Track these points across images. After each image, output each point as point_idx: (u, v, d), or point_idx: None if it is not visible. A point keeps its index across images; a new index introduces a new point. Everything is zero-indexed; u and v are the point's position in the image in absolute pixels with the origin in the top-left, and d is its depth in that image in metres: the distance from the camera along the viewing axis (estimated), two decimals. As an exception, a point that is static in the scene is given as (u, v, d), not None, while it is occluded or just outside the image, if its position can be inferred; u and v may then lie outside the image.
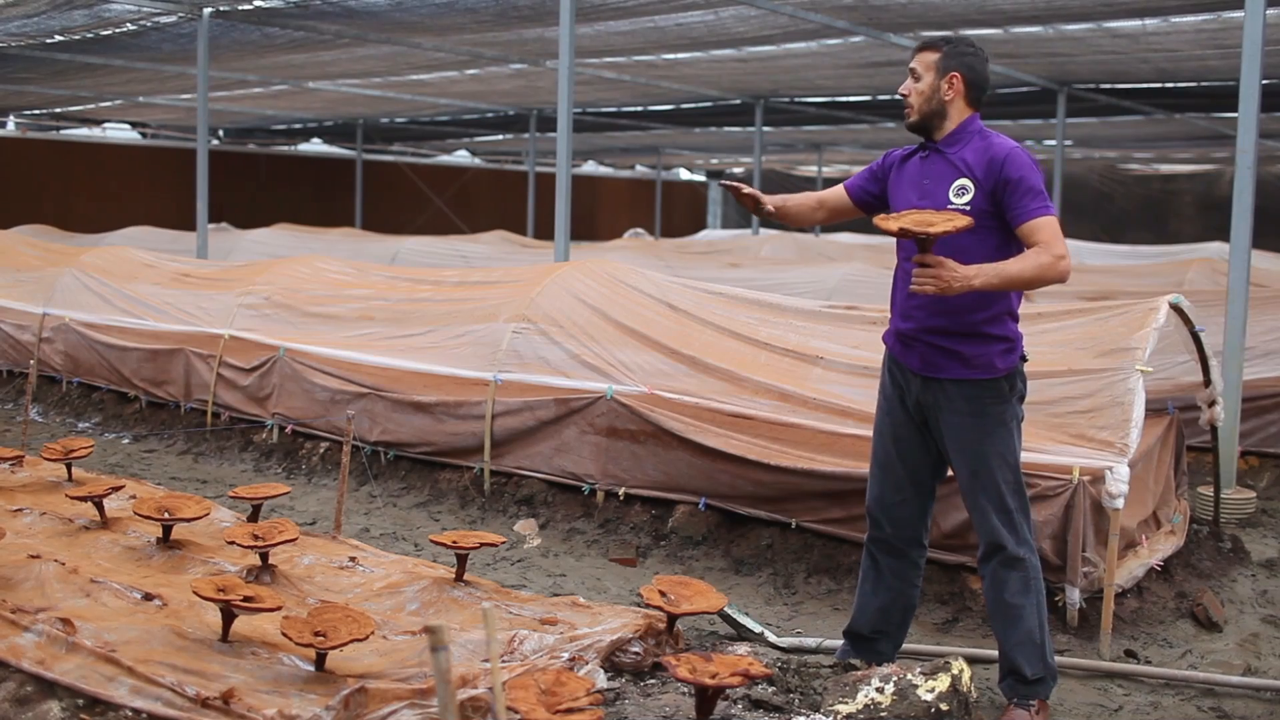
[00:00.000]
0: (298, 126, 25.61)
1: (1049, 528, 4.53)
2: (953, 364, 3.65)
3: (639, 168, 34.18)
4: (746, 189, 3.94)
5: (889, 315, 3.90)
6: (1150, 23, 10.75)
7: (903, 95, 3.77)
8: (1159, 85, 14.85)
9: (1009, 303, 3.68)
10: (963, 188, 3.63)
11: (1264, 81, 6.55)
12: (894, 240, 3.81)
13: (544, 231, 21.08)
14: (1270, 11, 7.01)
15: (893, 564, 3.88)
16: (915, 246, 3.48)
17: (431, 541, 4.37)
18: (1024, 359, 3.76)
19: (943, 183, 3.68)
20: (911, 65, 3.76)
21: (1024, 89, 15.03)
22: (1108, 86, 15.10)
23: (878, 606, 3.89)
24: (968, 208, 3.59)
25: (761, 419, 5.54)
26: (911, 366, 3.74)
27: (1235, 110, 6.46)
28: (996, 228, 3.61)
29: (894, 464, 3.84)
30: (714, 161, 32.77)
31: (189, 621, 3.59)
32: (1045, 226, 3.53)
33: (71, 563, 4.04)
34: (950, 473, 3.84)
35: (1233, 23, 10.18)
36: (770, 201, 4.01)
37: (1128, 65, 13.21)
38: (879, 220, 3.55)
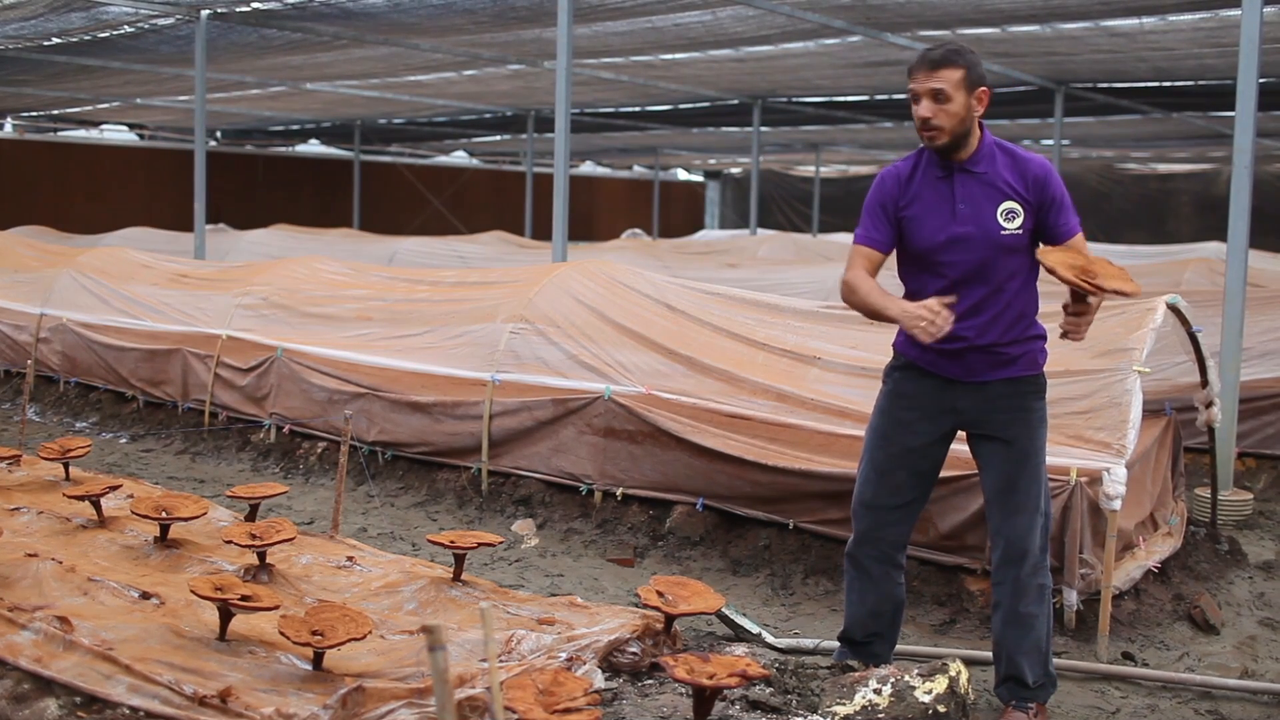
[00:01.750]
0: (295, 128, 25.60)
1: (1046, 528, 4.53)
2: (1002, 366, 3.63)
3: (637, 168, 34.17)
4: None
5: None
6: (1148, 21, 10.77)
7: (925, 119, 3.46)
8: (1156, 84, 14.88)
9: (1038, 302, 3.71)
10: (1011, 212, 3.53)
11: (1261, 80, 6.55)
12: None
13: (542, 232, 21.08)
14: (1267, 10, 7.02)
15: (878, 568, 3.80)
16: (941, 268, 3.52)
17: (429, 541, 4.36)
18: None
19: (985, 206, 3.53)
20: (931, 86, 3.45)
21: (1021, 88, 15.04)
22: (1105, 85, 15.12)
23: (868, 611, 3.84)
24: (1020, 232, 3.54)
25: (759, 419, 5.53)
26: (953, 375, 3.64)
27: (1233, 109, 6.45)
28: (1032, 245, 3.60)
29: (899, 471, 3.72)
30: (711, 161, 32.76)
31: (186, 620, 3.59)
32: (1081, 242, 3.55)
33: (69, 561, 4.04)
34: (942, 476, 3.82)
35: (1230, 21, 10.19)
36: None
37: (1125, 64, 13.23)
38: (1055, 263, 3.35)
